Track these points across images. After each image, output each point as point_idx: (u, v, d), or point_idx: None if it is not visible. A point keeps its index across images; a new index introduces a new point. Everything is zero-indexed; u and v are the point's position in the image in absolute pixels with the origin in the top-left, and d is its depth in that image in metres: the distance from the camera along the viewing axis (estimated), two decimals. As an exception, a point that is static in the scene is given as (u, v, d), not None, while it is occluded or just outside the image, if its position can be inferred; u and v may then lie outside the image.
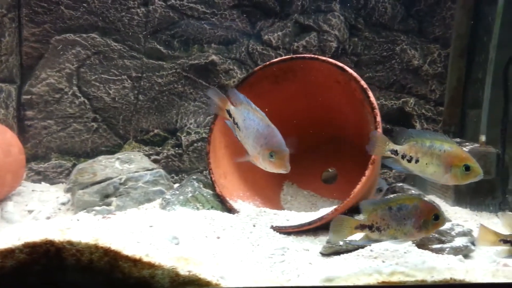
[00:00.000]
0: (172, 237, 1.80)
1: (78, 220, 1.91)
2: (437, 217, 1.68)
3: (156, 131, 3.38)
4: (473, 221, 2.62)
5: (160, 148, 3.37)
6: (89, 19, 3.22)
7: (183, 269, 1.57)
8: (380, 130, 2.09)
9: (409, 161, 1.74)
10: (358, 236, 1.81)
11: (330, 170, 2.90)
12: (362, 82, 2.17)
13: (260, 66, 2.41)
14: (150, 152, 3.34)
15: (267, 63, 2.38)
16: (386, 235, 1.70)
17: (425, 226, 1.68)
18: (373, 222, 1.69)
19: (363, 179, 2.05)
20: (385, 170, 3.51)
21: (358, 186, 2.04)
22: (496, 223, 2.69)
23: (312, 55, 2.28)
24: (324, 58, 2.25)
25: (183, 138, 3.37)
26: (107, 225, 1.85)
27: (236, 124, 2.02)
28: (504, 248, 1.83)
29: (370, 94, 2.15)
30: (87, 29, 3.24)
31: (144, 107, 3.33)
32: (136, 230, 1.79)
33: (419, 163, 1.73)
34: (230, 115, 2.05)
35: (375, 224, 1.69)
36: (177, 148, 3.38)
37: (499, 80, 2.60)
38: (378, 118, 2.10)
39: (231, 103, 2.05)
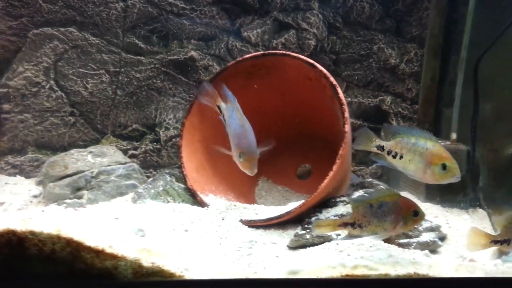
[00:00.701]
0: (138, 229, 1.81)
1: (43, 211, 1.91)
2: (416, 213, 1.72)
3: (134, 126, 3.38)
4: (443, 217, 2.67)
5: (138, 143, 3.37)
6: (67, 13, 3.21)
7: (147, 261, 1.59)
8: (348, 126, 2.12)
9: (394, 157, 1.76)
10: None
11: (305, 166, 2.93)
12: (332, 79, 2.20)
13: (233, 61, 2.43)
14: (128, 147, 3.34)
15: (240, 58, 2.40)
16: (367, 231, 1.74)
17: (405, 222, 1.72)
18: (355, 219, 1.73)
19: (330, 174, 2.07)
20: (362, 167, 3.55)
21: (325, 181, 2.07)
22: (466, 219, 2.74)
23: (284, 51, 2.30)
24: (295, 54, 2.27)
25: (161, 133, 3.38)
26: (72, 216, 1.86)
27: (225, 121, 2.07)
28: (495, 248, 1.87)
29: (339, 90, 2.17)
30: (65, 23, 3.22)
31: (122, 102, 3.33)
32: (101, 222, 1.80)
33: (402, 159, 1.75)
34: (220, 111, 2.08)
35: (357, 222, 1.73)
36: (155, 143, 3.38)
37: (470, 79, 2.64)
38: (346, 114, 2.13)
39: (222, 99, 2.09)
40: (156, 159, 3.39)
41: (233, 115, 2.04)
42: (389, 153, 1.78)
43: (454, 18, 2.96)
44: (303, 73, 2.31)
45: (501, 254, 1.92)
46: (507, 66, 2.59)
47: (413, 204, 1.77)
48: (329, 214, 2.16)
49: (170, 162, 3.39)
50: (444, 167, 1.69)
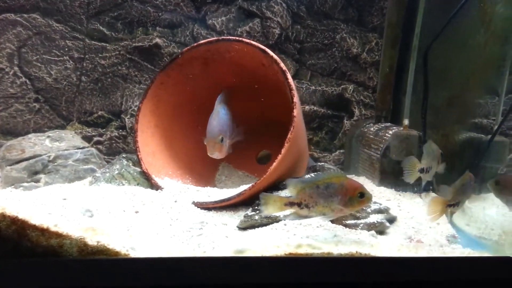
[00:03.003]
0: (85, 210, 1.85)
1: (-8, 192, 1.94)
2: (362, 195, 1.77)
3: (100, 113, 3.40)
4: (395, 200, 2.75)
5: (104, 129, 3.40)
6: (30, -1, 3.21)
7: (91, 239, 1.63)
8: (296, 111, 2.18)
9: None
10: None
11: (265, 151, 2.99)
12: (282, 65, 2.25)
13: (188, 47, 2.46)
14: (93, 133, 3.37)
15: (194, 44, 2.43)
16: (314, 211, 1.78)
17: (351, 203, 1.77)
18: (302, 200, 1.76)
19: (279, 157, 2.13)
20: (325, 153, 3.64)
21: (274, 164, 2.13)
22: (418, 202, 2.83)
23: (237, 38, 2.34)
24: (247, 40, 2.32)
25: (127, 120, 3.41)
26: (19, 197, 1.89)
27: None
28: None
29: (289, 75, 2.23)
30: (28, 9, 3.22)
31: (88, 88, 3.35)
32: (49, 203, 1.83)
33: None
34: None
35: (303, 202, 1.77)
36: (121, 130, 3.41)
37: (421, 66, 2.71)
38: (295, 99, 2.19)
39: None
40: (122, 145, 3.42)
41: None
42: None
43: (412, 8, 3.03)
44: (257, 59, 2.36)
45: (451, 214, 2.12)
46: (457, 53, 2.68)
47: (359, 186, 1.82)
48: (279, 196, 2.22)
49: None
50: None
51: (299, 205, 1.79)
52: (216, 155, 2.23)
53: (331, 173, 1.90)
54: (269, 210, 1.83)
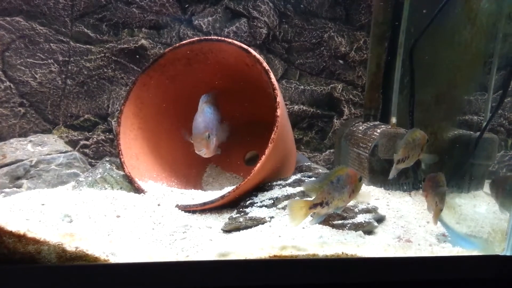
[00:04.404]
0: (64, 215, 1.81)
1: (-33, 198, 1.90)
2: (360, 178, 1.84)
3: (86, 116, 3.36)
4: (384, 199, 2.72)
5: (90, 133, 3.35)
6: (13, 2, 3.15)
7: (70, 245, 1.59)
8: (280, 110, 2.15)
9: None
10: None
11: (253, 152, 2.95)
12: (264, 64, 2.22)
13: (169, 48, 2.42)
14: (80, 137, 3.33)
15: (177, 44, 2.39)
16: (332, 207, 1.78)
17: (356, 188, 1.83)
18: (323, 199, 1.76)
19: (263, 158, 2.10)
20: (316, 153, 3.60)
21: (258, 166, 2.09)
22: (407, 201, 2.80)
23: (219, 37, 2.31)
24: (230, 40, 2.28)
25: (113, 123, 3.37)
26: (-4, 203, 1.85)
27: None
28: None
29: (271, 75, 2.20)
30: (11, 13, 3.17)
31: (73, 91, 3.31)
32: (27, 208, 1.79)
33: None
34: None
35: (324, 200, 1.76)
36: (107, 133, 3.37)
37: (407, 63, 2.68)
38: (279, 99, 2.16)
39: None
40: (109, 149, 3.38)
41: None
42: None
43: (398, 5, 3.00)
44: (240, 59, 2.33)
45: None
46: (444, 50, 2.66)
47: (356, 171, 1.87)
48: (264, 197, 2.19)
49: (124, 152, 3.37)
50: None
51: (321, 204, 1.77)
52: (204, 152, 2.18)
53: (335, 168, 1.90)
54: (297, 220, 1.74)
